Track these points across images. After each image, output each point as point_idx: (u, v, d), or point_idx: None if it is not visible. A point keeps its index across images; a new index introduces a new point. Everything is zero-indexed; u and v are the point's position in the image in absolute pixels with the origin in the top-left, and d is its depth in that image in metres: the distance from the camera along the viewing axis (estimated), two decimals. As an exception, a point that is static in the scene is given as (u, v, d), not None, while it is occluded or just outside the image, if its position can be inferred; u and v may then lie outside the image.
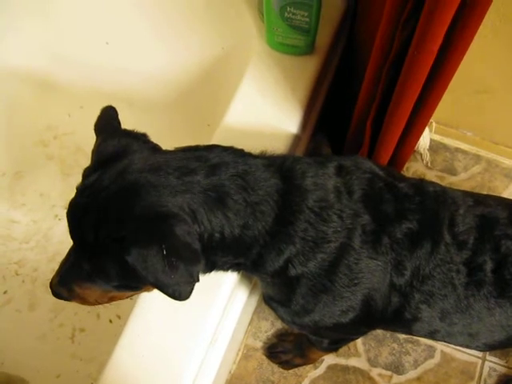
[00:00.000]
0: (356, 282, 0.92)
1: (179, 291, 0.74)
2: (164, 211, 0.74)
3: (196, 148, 0.86)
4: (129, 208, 0.74)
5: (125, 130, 0.88)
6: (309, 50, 1.24)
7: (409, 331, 1.04)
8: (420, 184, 1.00)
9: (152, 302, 1.01)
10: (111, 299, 0.89)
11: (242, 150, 0.89)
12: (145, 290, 0.88)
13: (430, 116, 1.06)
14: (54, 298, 0.88)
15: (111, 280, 0.80)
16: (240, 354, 1.48)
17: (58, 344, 1.44)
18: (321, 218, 0.87)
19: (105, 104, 0.91)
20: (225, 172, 0.82)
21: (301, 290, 0.92)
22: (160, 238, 0.71)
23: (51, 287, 0.87)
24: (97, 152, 0.84)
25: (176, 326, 1.00)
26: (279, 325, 1.52)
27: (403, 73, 0.93)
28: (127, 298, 0.92)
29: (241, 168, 0.84)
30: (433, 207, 0.96)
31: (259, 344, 1.50)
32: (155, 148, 0.86)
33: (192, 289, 0.76)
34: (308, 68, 1.24)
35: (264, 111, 1.19)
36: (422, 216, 0.94)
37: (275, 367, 1.48)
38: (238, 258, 0.87)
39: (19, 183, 1.71)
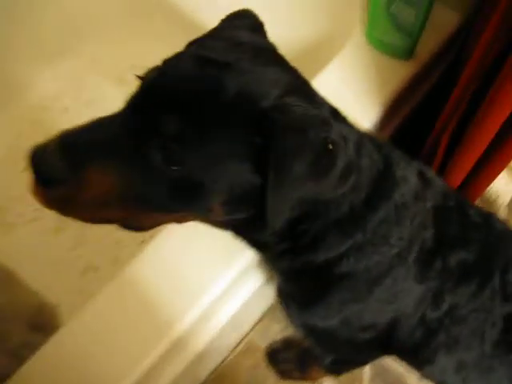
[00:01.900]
0: (392, 300, 0.82)
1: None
2: None
3: None
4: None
5: None
6: (407, 54, 1.15)
7: (420, 370, 0.94)
8: (489, 216, 0.91)
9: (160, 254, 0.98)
10: (118, 215, 0.67)
11: None
12: (182, 218, 0.73)
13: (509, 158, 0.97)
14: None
15: (197, 175, 0.62)
16: (240, 347, 1.40)
17: (69, 276, 1.42)
18: (397, 216, 0.78)
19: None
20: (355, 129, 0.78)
21: (334, 292, 0.82)
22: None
23: (38, 153, 0.60)
24: None
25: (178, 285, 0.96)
26: (290, 331, 1.42)
27: (486, 101, 0.87)
28: (138, 229, 0.72)
29: (358, 134, 0.78)
30: (495, 245, 0.87)
31: (263, 344, 1.41)
32: None
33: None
34: (400, 73, 1.16)
35: (340, 102, 1.12)
36: (481, 250, 0.84)
37: (271, 373, 1.39)
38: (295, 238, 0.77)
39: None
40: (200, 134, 0.60)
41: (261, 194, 0.62)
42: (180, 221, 0.74)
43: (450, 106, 1.01)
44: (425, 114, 1.19)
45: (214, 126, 0.60)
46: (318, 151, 0.61)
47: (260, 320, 1.43)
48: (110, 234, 1.40)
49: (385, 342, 0.90)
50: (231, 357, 1.38)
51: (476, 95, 0.94)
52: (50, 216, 1.51)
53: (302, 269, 0.82)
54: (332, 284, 0.82)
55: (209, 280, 0.96)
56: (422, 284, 0.82)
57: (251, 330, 1.42)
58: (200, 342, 1.06)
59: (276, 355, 1.39)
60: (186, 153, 0.60)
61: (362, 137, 0.77)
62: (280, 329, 1.43)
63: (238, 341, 1.40)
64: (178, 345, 0.96)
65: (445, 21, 1.20)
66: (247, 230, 0.77)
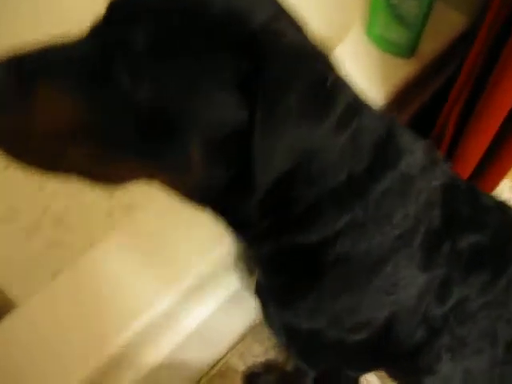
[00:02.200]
0: (393, 290, 0.70)
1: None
2: None
3: None
4: None
5: None
6: (409, 51, 1.09)
7: None
8: (503, 204, 0.80)
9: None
10: (79, 160, 0.56)
11: None
12: (154, 173, 0.62)
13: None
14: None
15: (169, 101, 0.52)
16: (217, 368, 1.27)
17: (38, 279, 1.31)
18: (402, 189, 0.67)
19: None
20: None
21: (326, 282, 0.70)
22: None
23: None
24: None
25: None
26: (273, 354, 1.29)
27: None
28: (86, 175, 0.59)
29: (357, 95, 0.68)
30: (509, 231, 0.76)
31: (242, 367, 1.28)
32: None
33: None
34: (402, 71, 1.09)
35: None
36: (494, 235, 0.73)
37: (249, 399, 1.25)
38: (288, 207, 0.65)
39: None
40: (176, 51, 0.51)
41: (247, 141, 0.53)
42: (152, 175, 0.62)
43: (455, 92, 0.94)
44: (431, 115, 1.12)
45: (193, 44, 0.52)
46: (315, 84, 0.53)
47: (240, 340, 1.31)
48: (84, 236, 1.30)
49: (379, 346, 0.77)
50: (206, 379, 1.25)
51: (480, 81, 0.87)
52: (23, 216, 1.43)
53: (287, 253, 0.70)
54: (324, 271, 0.69)
55: (164, 286, 0.87)
56: (427, 272, 0.70)
57: (230, 350, 1.29)
58: (157, 354, 0.95)
59: (255, 379, 1.26)
60: (158, 71, 0.51)
61: (361, 100, 0.68)
62: (262, 350, 1.30)
63: (214, 362, 1.27)
64: (128, 354, 0.87)
65: (449, 22, 1.14)
66: (229, 199, 0.65)
